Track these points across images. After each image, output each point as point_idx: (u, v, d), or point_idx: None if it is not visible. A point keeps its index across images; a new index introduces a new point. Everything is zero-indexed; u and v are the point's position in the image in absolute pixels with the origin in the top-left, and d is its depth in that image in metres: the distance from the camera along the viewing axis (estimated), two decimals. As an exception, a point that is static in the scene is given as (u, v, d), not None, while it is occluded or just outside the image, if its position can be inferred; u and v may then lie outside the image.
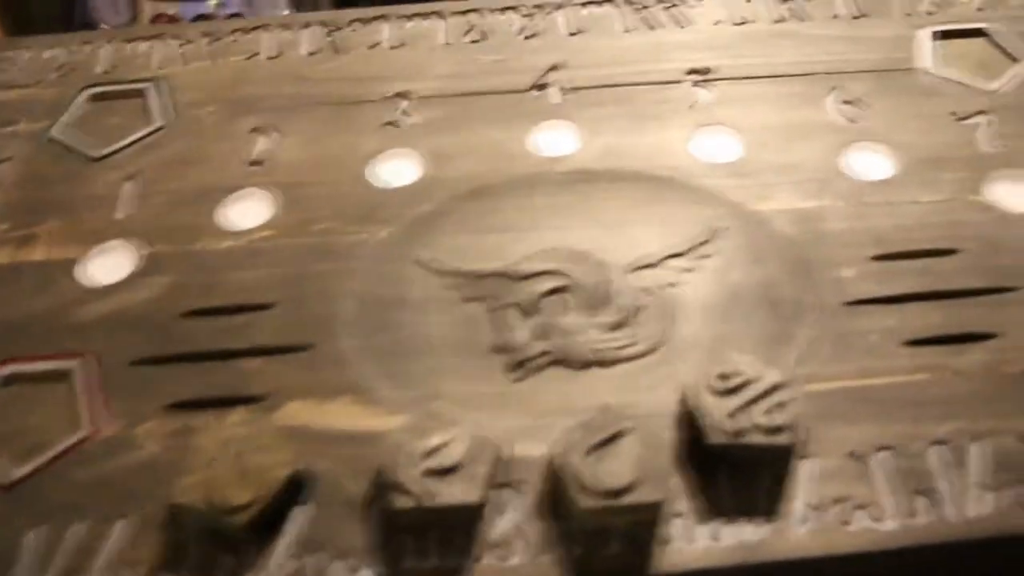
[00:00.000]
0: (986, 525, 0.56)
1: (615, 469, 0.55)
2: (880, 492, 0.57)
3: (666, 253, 0.69)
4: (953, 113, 0.80)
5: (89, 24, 1.24)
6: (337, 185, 0.75)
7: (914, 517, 0.56)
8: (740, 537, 0.55)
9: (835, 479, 0.58)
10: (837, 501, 0.57)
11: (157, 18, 1.24)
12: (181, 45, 0.90)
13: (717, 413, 0.57)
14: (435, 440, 0.57)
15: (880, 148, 0.77)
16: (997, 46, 0.87)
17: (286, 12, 1.25)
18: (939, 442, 0.59)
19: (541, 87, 0.83)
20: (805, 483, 0.58)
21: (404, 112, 0.81)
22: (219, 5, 1.25)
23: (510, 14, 0.92)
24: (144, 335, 0.66)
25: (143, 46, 0.90)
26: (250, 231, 0.73)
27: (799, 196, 0.73)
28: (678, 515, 0.56)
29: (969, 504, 0.56)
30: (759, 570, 0.55)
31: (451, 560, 0.55)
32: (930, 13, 0.90)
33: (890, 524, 0.56)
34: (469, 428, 0.57)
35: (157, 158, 0.79)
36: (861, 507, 0.56)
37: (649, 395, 0.62)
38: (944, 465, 0.58)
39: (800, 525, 0.56)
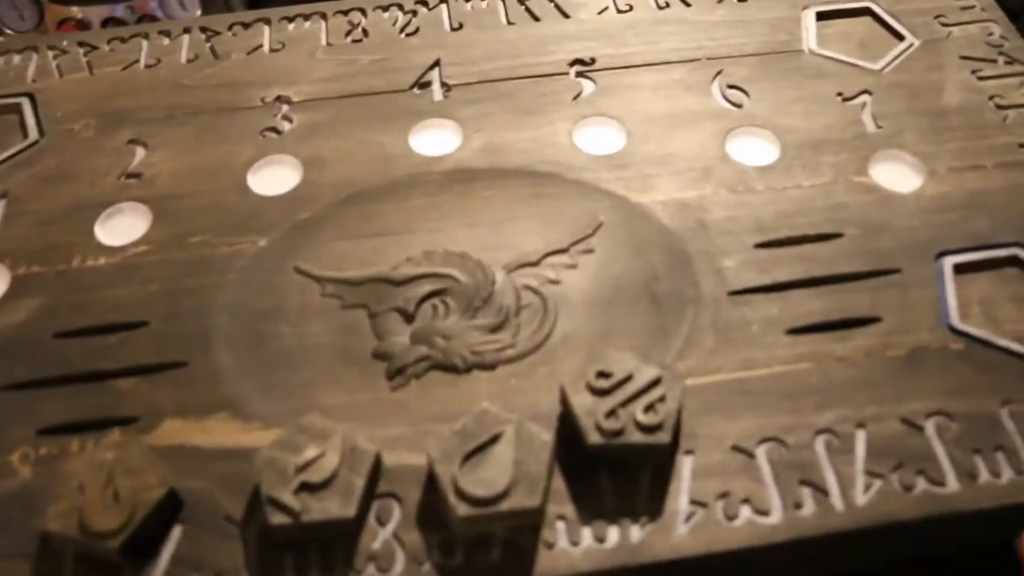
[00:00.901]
0: (870, 513, 0.55)
1: (490, 475, 0.54)
2: (765, 485, 0.57)
3: (547, 250, 0.69)
4: (839, 94, 0.80)
5: (-9, 32, 1.22)
6: (215, 195, 0.74)
7: (799, 509, 0.56)
8: (623, 538, 0.55)
9: (719, 474, 0.57)
10: (721, 496, 0.56)
11: (63, 23, 1.22)
12: (56, 56, 0.88)
13: (593, 413, 0.57)
14: (309, 453, 0.56)
15: (764, 133, 0.76)
16: (883, 24, 0.87)
17: (198, 13, 1.23)
18: (824, 431, 0.59)
19: (423, 85, 0.82)
20: (688, 479, 0.57)
21: (284, 117, 0.80)
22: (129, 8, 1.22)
23: (393, 11, 0.91)
24: (15, 359, 0.65)
25: (17, 59, 0.88)
26: (125, 247, 0.71)
27: (681, 186, 0.72)
28: (561, 518, 0.56)
29: (855, 492, 0.56)
30: (643, 570, 0.54)
31: (331, 574, 0.54)
32: (815, -7, 0.90)
33: (775, 517, 0.55)
34: (344, 439, 0.56)
35: (30, 175, 0.76)
36: (746, 501, 0.56)
37: (530, 396, 0.61)
38: (830, 454, 0.58)
39: (683, 522, 0.55)
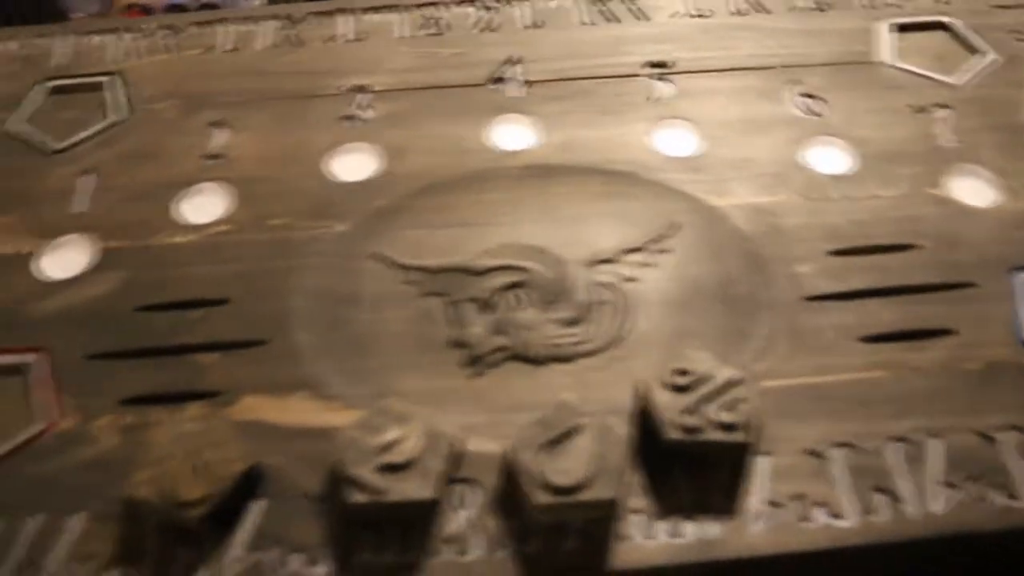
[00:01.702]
0: (945, 522, 0.56)
1: (569, 466, 0.54)
2: (838, 489, 0.57)
3: (624, 248, 0.69)
4: (912, 106, 0.80)
5: (60, 14, 1.23)
6: (294, 180, 0.75)
7: (873, 514, 0.56)
8: (697, 534, 0.55)
9: (792, 476, 0.58)
10: (795, 498, 0.57)
11: (130, 8, 1.23)
12: (137, 39, 0.89)
13: (672, 409, 0.57)
14: (390, 436, 0.56)
15: (838, 142, 0.77)
16: (957, 38, 0.87)
17: (257, 3, 1.24)
18: (897, 439, 0.59)
19: (498, 81, 0.83)
20: (762, 480, 0.57)
21: (361, 106, 0.80)
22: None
23: (468, 7, 0.92)
24: (99, 330, 0.66)
25: (99, 39, 0.89)
26: (206, 226, 0.72)
27: (756, 191, 0.73)
28: (636, 511, 0.56)
29: (928, 501, 0.56)
30: (716, 567, 0.55)
31: (408, 555, 0.55)
32: (890, 5, 0.90)
33: (849, 521, 0.56)
34: (425, 424, 0.57)
35: (114, 152, 0.78)
36: (819, 504, 0.56)
37: (606, 391, 0.62)
38: (903, 462, 0.58)
39: (757, 522, 0.56)
